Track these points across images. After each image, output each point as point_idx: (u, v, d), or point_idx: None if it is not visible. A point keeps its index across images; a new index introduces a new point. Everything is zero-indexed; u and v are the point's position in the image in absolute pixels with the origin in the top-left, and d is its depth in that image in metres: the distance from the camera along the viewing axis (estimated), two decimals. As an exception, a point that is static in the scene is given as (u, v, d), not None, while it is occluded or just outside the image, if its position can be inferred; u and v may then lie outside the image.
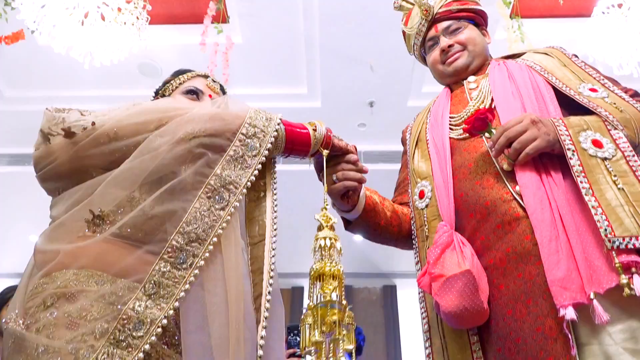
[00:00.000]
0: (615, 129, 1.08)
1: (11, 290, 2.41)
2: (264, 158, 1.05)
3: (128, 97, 4.41)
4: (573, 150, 1.03)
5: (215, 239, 0.93)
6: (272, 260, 1.01)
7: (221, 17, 3.74)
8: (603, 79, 1.26)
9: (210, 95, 1.34)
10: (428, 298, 1.19)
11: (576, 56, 1.40)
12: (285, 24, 3.88)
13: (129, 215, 0.92)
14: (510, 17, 3.72)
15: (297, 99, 4.39)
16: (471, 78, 1.44)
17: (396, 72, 4.11)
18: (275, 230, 1.06)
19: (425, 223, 1.26)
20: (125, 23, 3.28)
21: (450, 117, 1.35)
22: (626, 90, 1.24)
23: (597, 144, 1.04)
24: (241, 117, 1.07)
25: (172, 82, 1.35)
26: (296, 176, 4.76)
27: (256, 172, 1.03)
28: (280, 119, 1.13)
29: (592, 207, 0.94)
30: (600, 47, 3.41)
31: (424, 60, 1.60)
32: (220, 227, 0.94)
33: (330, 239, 1.02)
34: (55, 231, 0.97)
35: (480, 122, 1.13)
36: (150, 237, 0.92)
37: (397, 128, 4.70)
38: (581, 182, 0.98)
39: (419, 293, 1.22)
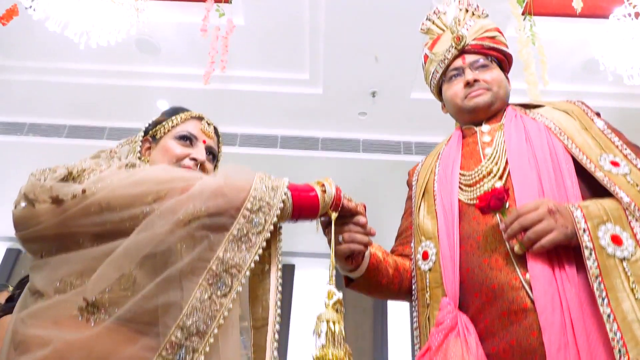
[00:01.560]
0: (637, 220, 1.03)
1: None
2: (268, 234, 0.99)
3: (124, 72, 4.32)
4: (591, 249, 0.98)
5: (216, 330, 0.89)
6: (275, 353, 0.96)
7: (224, -3, 3.59)
8: (625, 148, 1.20)
9: (204, 141, 1.27)
10: None
11: (598, 115, 1.34)
12: (290, 7, 3.74)
13: (126, 304, 0.88)
14: (523, 14, 3.61)
15: (299, 85, 4.29)
16: (485, 127, 1.37)
17: (400, 64, 4.01)
18: (278, 315, 1.01)
19: (427, 289, 1.22)
20: (123, 4, 3.16)
21: (460, 174, 1.29)
22: None
23: (616, 240, 0.99)
24: (245, 189, 1.00)
25: (164, 123, 1.27)
26: (292, 160, 4.71)
27: (260, 250, 0.98)
28: (288, 187, 1.07)
29: (607, 320, 0.90)
30: (612, 54, 3.32)
31: (438, 91, 1.52)
32: (222, 317, 0.89)
33: (330, 322, 0.98)
34: (42, 314, 0.91)
35: (496, 202, 1.07)
36: (148, 328, 0.88)
37: (398, 119, 4.64)
38: (597, 288, 0.94)
39: None
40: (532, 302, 1.01)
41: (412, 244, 1.36)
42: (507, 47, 1.45)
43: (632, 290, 0.93)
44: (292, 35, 3.95)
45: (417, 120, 4.40)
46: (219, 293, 0.91)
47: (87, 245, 0.96)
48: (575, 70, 4.09)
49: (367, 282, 1.29)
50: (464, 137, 1.43)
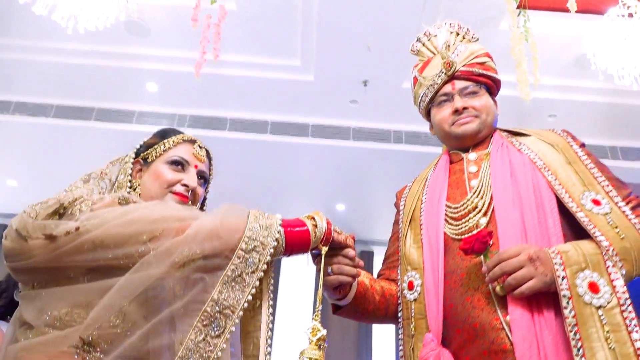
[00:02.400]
0: (614, 265, 1.06)
1: None
2: (262, 273, 1.01)
3: (113, 53, 4.23)
4: (569, 298, 1.01)
5: None
6: None
7: (215, -19, 3.52)
8: (608, 185, 1.22)
9: (196, 166, 1.27)
10: None
11: (583, 145, 1.35)
12: (283, -7, 3.68)
13: (121, 344, 0.90)
14: (518, 8, 3.58)
15: (290, 71, 4.24)
16: (471, 155, 1.39)
17: (393, 54, 3.97)
18: (268, 353, 1.02)
19: (412, 320, 1.25)
20: (112, -12, 3.08)
21: (446, 206, 1.31)
22: (629, 200, 1.22)
23: (593, 287, 1.03)
24: (240, 230, 1.01)
25: (156, 146, 1.26)
26: (282, 146, 4.71)
27: (253, 290, 0.99)
28: (281, 224, 1.07)
29: None
30: (604, 54, 3.32)
31: (427, 113, 1.53)
32: (215, 357, 0.91)
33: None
34: (36, 349, 0.92)
35: (479, 246, 1.10)
36: None
37: (390, 108, 4.63)
38: (572, 338, 0.97)
39: None
40: (512, 343, 1.05)
41: (398, 270, 1.38)
42: (496, 72, 1.46)
43: (606, 339, 0.97)
44: (285, 22, 3.90)
45: (408, 110, 4.37)
46: (212, 334, 0.93)
47: (78, 278, 0.97)
48: (567, 65, 4.09)
49: (354, 309, 1.32)
50: (451, 162, 1.44)
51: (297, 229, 1.09)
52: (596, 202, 1.18)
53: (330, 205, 5.47)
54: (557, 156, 1.29)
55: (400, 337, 1.31)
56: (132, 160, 1.27)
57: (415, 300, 1.27)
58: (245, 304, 0.97)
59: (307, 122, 4.65)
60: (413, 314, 1.26)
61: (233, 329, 0.95)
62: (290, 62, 4.20)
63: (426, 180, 1.45)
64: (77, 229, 0.95)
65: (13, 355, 0.94)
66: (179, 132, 1.32)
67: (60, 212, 1.02)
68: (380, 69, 4.12)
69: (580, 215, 1.15)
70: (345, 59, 4.07)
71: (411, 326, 1.25)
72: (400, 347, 1.30)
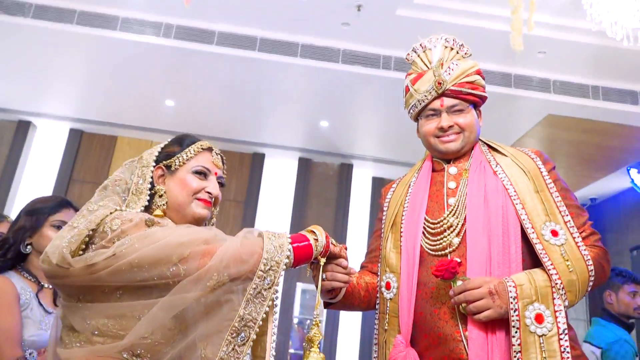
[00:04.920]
0: (559, 298, 1.26)
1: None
2: (276, 287, 1.18)
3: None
4: (517, 328, 1.22)
5: None
6: None
7: None
8: (567, 214, 1.37)
9: (215, 173, 1.39)
10: None
11: (553, 168, 1.48)
12: None
13: (166, 356, 1.09)
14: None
15: (282, -11, 4.09)
16: (452, 169, 1.51)
17: (390, -19, 3.86)
18: (273, 356, 1.18)
19: (387, 316, 1.45)
20: None
21: (425, 220, 1.46)
22: (583, 230, 1.38)
23: (539, 318, 1.23)
24: (258, 253, 1.16)
25: (178, 156, 1.35)
26: (270, 65, 4.66)
27: (270, 302, 1.16)
28: (290, 242, 1.22)
29: None
30: (600, 4, 3.29)
31: (416, 119, 1.62)
32: None
33: None
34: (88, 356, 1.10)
35: (449, 275, 1.27)
36: None
37: (381, 34, 4.56)
38: None
39: None
40: (467, 355, 1.27)
41: (379, 266, 1.56)
42: (484, 90, 1.53)
43: None
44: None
45: (398, 37, 4.34)
46: (239, 343, 1.12)
47: (111, 294, 1.14)
48: (563, 4, 4.04)
49: (343, 304, 1.52)
50: (433, 169, 1.57)
51: (301, 244, 1.25)
52: (554, 233, 1.34)
53: (314, 122, 5.55)
54: (527, 183, 1.42)
55: (375, 326, 1.53)
56: (152, 166, 1.35)
57: (391, 299, 1.46)
58: (264, 315, 1.16)
59: (296, 41, 4.57)
60: (388, 310, 1.46)
61: (254, 336, 1.14)
62: (282, -21, 4.04)
63: (409, 186, 1.58)
64: (114, 254, 1.10)
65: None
66: (197, 139, 1.40)
67: (89, 235, 1.15)
68: (375, -6, 4.00)
69: (538, 248, 1.32)
70: (340, -18, 3.93)
71: (385, 321, 1.46)
72: (375, 336, 1.52)
